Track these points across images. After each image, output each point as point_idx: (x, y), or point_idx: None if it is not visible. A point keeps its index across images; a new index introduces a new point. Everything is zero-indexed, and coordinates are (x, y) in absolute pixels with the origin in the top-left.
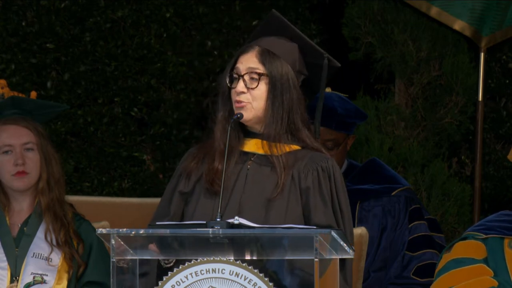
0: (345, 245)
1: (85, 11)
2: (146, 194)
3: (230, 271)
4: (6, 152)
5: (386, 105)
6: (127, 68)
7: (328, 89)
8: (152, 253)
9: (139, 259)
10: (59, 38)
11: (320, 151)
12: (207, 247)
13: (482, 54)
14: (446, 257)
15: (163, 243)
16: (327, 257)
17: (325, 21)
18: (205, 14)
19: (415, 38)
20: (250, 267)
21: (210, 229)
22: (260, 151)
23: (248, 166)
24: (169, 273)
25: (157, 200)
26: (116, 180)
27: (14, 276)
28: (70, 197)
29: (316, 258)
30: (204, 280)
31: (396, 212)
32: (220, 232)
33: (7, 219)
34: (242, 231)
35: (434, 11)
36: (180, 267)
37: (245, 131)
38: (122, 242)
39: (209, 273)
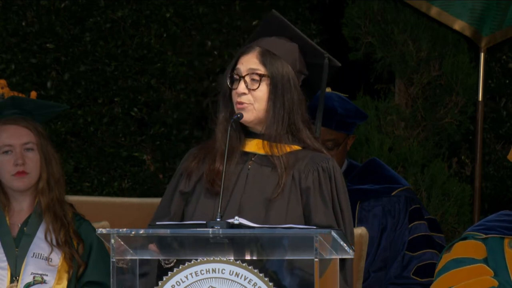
0: (345, 245)
1: (85, 11)
2: (146, 194)
3: (230, 271)
4: (6, 152)
5: (386, 105)
6: (127, 68)
7: (328, 89)
8: (152, 253)
9: (139, 259)
10: (59, 38)
11: (320, 151)
12: (207, 247)
13: (482, 54)
14: (446, 257)
15: (163, 243)
16: (327, 257)
17: (325, 21)
18: (205, 14)
19: (415, 38)
20: (250, 267)
21: (210, 229)
22: (261, 152)
23: (249, 166)
24: (169, 273)
25: (157, 200)
26: (116, 180)
27: (14, 276)
28: (70, 197)
29: (316, 258)
30: (204, 280)
31: (396, 212)
32: (220, 232)
33: (7, 219)
34: (242, 231)
35: (434, 11)
36: (180, 267)
37: (246, 131)
38: (122, 242)
39: (209, 273)
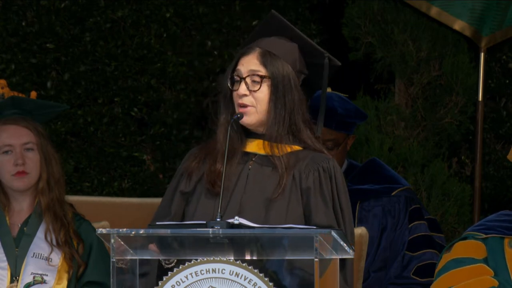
0: (345, 245)
1: (85, 11)
2: (146, 194)
3: (230, 271)
4: (6, 152)
5: (386, 105)
6: (127, 68)
7: (328, 89)
8: (152, 253)
9: (139, 259)
10: (59, 38)
11: (321, 151)
12: (207, 247)
13: (482, 54)
14: (446, 257)
15: (163, 243)
16: (327, 257)
17: (325, 21)
18: (205, 14)
19: (415, 38)
20: (250, 267)
21: (210, 229)
22: (262, 152)
23: (250, 167)
24: (169, 273)
25: (157, 200)
26: (116, 180)
27: (14, 276)
28: (70, 197)
29: (316, 258)
30: (204, 280)
31: (396, 212)
32: (220, 232)
33: (7, 219)
34: (242, 231)
35: (434, 11)
36: (180, 267)
37: (246, 132)
38: (122, 242)
39: (209, 273)
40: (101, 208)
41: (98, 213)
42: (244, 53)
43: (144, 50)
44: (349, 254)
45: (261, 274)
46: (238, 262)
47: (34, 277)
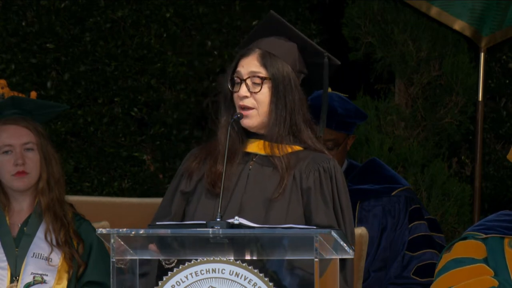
0: (345, 245)
1: (85, 11)
2: (146, 194)
3: (230, 271)
4: (6, 152)
5: (386, 105)
6: (127, 68)
7: (328, 89)
8: (152, 253)
9: (139, 259)
10: (59, 38)
11: (322, 152)
12: (207, 247)
13: (482, 54)
14: (446, 257)
15: (163, 243)
16: (327, 257)
17: (325, 21)
18: (205, 14)
19: (415, 38)
20: (250, 267)
21: (210, 229)
22: (262, 152)
23: (250, 167)
24: (169, 273)
25: (157, 200)
26: (116, 180)
27: (14, 276)
28: (70, 197)
29: (316, 258)
30: (204, 280)
31: (396, 212)
32: (220, 232)
33: (7, 219)
34: (242, 231)
35: (434, 11)
36: (180, 267)
37: (247, 132)
38: (122, 242)
39: (209, 273)
40: (101, 208)
41: (98, 213)
42: (244, 54)
43: (144, 50)
44: (349, 254)
45: (261, 274)
46: (238, 262)
47: (34, 277)
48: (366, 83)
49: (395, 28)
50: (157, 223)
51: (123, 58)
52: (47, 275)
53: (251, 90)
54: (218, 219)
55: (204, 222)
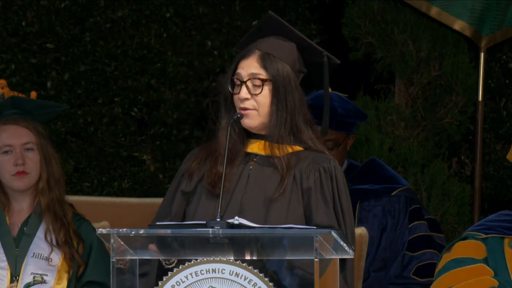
0: (345, 245)
1: (85, 11)
2: (146, 194)
3: (230, 271)
4: (6, 152)
5: (386, 105)
6: (127, 68)
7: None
8: (152, 253)
9: (139, 259)
10: (59, 38)
11: (322, 152)
12: (207, 247)
13: (482, 54)
14: (446, 257)
15: (163, 243)
16: (327, 257)
17: (325, 21)
18: (205, 14)
19: (415, 38)
20: (250, 267)
21: (210, 229)
22: (262, 152)
23: (250, 167)
24: (169, 273)
25: (157, 200)
26: (116, 180)
27: (14, 276)
28: (70, 197)
29: (316, 258)
30: (204, 280)
31: (396, 212)
32: (220, 232)
33: (7, 219)
34: (242, 231)
35: (434, 11)
36: (180, 267)
37: (248, 132)
38: (122, 242)
39: (209, 273)
40: (101, 208)
41: (98, 213)
42: (244, 56)
43: (144, 50)
44: (349, 254)
45: (261, 274)
46: (238, 262)
47: (34, 277)
48: (366, 83)
49: (395, 28)
50: (157, 223)
51: (123, 58)
52: (47, 275)
53: (251, 92)
54: (218, 219)
55: (204, 222)
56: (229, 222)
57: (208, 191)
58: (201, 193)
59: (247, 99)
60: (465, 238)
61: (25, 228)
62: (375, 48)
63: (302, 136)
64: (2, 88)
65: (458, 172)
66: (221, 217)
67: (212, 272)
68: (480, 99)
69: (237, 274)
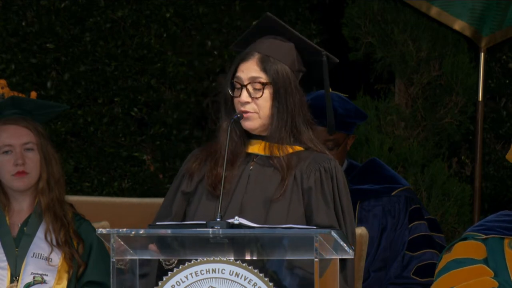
0: (345, 245)
1: (85, 11)
2: (146, 194)
3: (230, 271)
4: (6, 152)
5: (386, 105)
6: (127, 68)
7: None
8: (152, 253)
9: (139, 259)
10: (59, 38)
11: (323, 152)
12: (207, 247)
13: (482, 54)
14: (446, 258)
15: (163, 243)
16: (327, 257)
17: (325, 21)
18: (205, 14)
19: (415, 38)
20: (250, 267)
21: (210, 229)
22: (263, 153)
23: (251, 167)
24: (169, 273)
25: (157, 200)
26: (116, 180)
27: (14, 276)
28: (70, 197)
29: (316, 258)
30: (204, 280)
31: (396, 212)
32: (220, 232)
33: (7, 219)
34: (242, 231)
35: (434, 11)
36: (180, 267)
37: (248, 133)
38: (122, 242)
39: (209, 273)
40: (101, 208)
41: (98, 213)
42: (243, 59)
43: (144, 50)
44: (349, 254)
45: (261, 274)
46: (238, 262)
47: (34, 277)
48: (366, 83)
49: (395, 28)
50: (157, 223)
51: (123, 58)
52: (47, 275)
53: (252, 95)
54: (218, 219)
55: (204, 222)
56: (229, 222)
57: (209, 192)
58: (201, 193)
59: (247, 102)
60: (465, 239)
61: (25, 228)
62: (375, 48)
63: (302, 137)
64: (2, 88)
65: (458, 172)
66: (221, 217)
67: (212, 272)
68: (480, 99)
69: (237, 274)
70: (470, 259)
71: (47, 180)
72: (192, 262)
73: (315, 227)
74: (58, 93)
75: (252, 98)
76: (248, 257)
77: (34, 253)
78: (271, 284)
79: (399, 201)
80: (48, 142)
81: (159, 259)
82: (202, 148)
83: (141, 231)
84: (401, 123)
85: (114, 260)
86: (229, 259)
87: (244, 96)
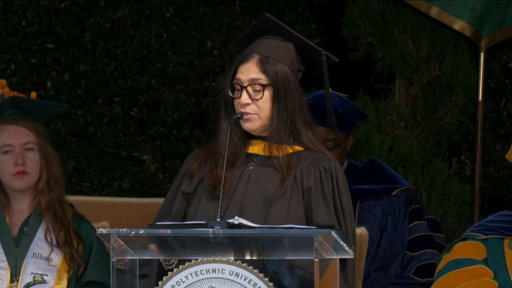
0: (345, 245)
1: (85, 11)
2: (146, 194)
3: (230, 271)
4: (6, 152)
5: (386, 105)
6: (127, 68)
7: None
8: (152, 253)
9: (139, 260)
10: (59, 38)
11: (323, 152)
12: (207, 247)
13: (482, 54)
14: (446, 258)
15: (163, 243)
16: (327, 257)
17: (325, 21)
18: (205, 14)
19: (415, 38)
20: (250, 267)
21: (210, 229)
22: (263, 153)
23: (251, 167)
24: (169, 273)
25: (157, 200)
26: (116, 180)
27: (14, 276)
28: (70, 197)
29: (316, 258)
30: (204, 280)
31: (396, 212)
32: (220, 232)
33: (7, 219)
34: (242, 231)
35: (434, 11)
36: (180, 267)
37: (248, 133)
38: (122, 242)
39: (209, 273)
40: (101, 208)
41: (98, 213)
42: (243, 60)
43: (144, 50)
44: (349, 254)
45: (261, 274)
46: (238, 262)
47: (34, 277)
48: (366, 83)
49: (395, 28)
50: (157, 223)
51: (123, 58)
52: (47, 275)
53: (252, 97)
54: (218, 219)
55: (204, 222)
56: (229, 222)
57: (209, 192)
58: (201, 194)
59: (248, 104)
60: (465, 239)
61: (25, 228)
62: (375, 48)
63: (301, 137)
64: (2, 88)
65: (458, 172)
66: (221, 217)
67: (212, 272)
68: (480, 99)
69: (237, 274)
70: (470, 259)
71: (47, 180)
72: (192, 262)
73: (315, 227)
74: (58, 93)
75: (252, 99)
76: (248, 257)
77: (34, 253)
78: (271, 284)
79: (399, 201)
80: (48, 142)
81: (159, 259)
82: (202, 149)
83: (141, 231)
84: (401, 123)
85: (114, 260)
86: (229, 259)
87: (244, 97)
